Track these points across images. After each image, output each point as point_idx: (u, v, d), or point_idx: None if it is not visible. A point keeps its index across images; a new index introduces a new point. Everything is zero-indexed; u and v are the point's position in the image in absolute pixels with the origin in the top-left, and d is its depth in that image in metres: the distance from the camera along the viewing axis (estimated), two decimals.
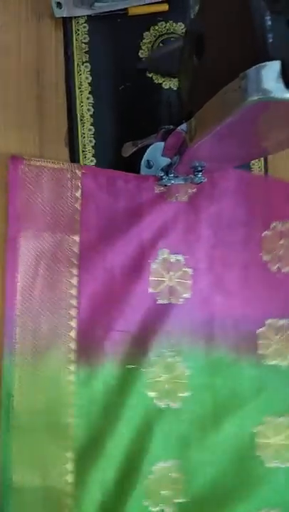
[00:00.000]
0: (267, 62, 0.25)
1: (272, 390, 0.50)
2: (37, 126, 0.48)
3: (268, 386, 0.50)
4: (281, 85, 0.25)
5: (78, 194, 0.46)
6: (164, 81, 0.51)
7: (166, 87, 0.51)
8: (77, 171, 0.47)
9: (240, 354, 0.50)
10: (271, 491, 0.49)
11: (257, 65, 0.25)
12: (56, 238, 0.46)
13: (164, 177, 0.46)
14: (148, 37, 0.50)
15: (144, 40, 0.50)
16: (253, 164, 0.53)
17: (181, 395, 0.47)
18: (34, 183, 0.45)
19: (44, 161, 0.46)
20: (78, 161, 0.48)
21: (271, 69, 0.25)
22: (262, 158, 0.53)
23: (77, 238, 0.46)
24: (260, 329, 0.51)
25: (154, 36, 0.51)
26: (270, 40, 0.25)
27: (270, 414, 0.50)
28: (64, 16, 0.48)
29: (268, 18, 0.26)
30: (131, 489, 0.45)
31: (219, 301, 0.50)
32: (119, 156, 0.48)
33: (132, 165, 0.49)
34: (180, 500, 0.47)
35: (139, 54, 0.50)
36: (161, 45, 0.49)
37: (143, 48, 0.50)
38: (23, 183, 0.45)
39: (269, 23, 0.26)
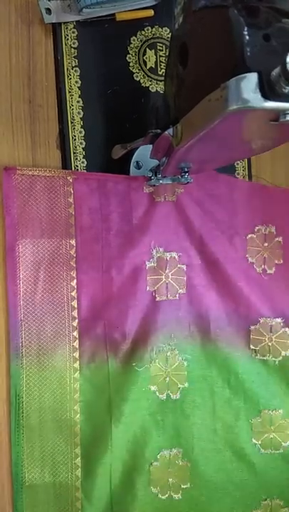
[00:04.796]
0: (245, 74, 0.27)
1: (265, 384, 0.53)
2: (29, 130, 0.49)
3: (261, 380, 0.53)
4: (258, 95, 0.27)
5: (71, 199, 0.48)
6: (151, 84, 0.53)
7: (153, 90, 0.53)
8: (68, 177, 0.48)
9: (233, 348, 0.52)
10: (268, 477, 0.52)
11: (236, 77, 0.27)
12: (53, 243, 0.48)
13: (153, 177, 0.48)
14: (135, 41, 0.52)
15: (131, 45, 0.52)
16: (238, 164, 0.55)
17: (180, 386, 0.50)
18: (28, 192, 0.47)
19: (36, 170, 0.47)
20: (70, 163, 0.50)
21: (249, 80, 0.27)
22: (246, 159, 0.56)
23: (73, 242, 0.48)
24: (254, 326, 0.53)
25: (141, 41, 0.52)
26: (248, 54, 0.27)
27: (265, 408, 0.53)
28: (53, 21, 0.49)
29: (246, 32, 0.28)
30: (137, 477, 0.48)
31: (213, 296, 0.52)
32: (109, 157, 0.49)
33: (121, 166, 0.51)
34: (187, 486, 0.50)
35: (127, 58, 0.52)
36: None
37: (130, 52, 0.52)
38: (17, 193, 0.47)
39: (247, 37, 0.28)
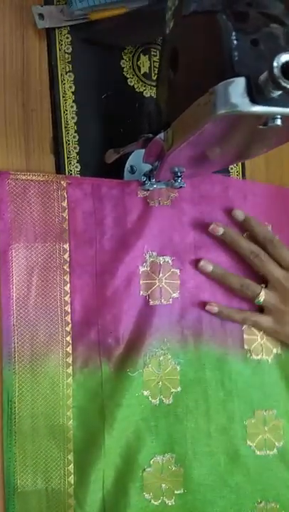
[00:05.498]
0: (233, 79, 0.27)
1: (259, 384, 0.53)
2: (22, 134, 0.49)
3: (255, 380, 0.52)
4: (246, 100, 0.27)
5: (65, 204, 0.48)
6: (144, 89, 0.53)
7: (147, 95, 0.53)
8: (62, 181, 0.48)
9: (226, 349, 0.52)
10: (264, 479, 0.52)
11: (224, 81, 0.27)
12: (47, 248, 0.48)
13: (147, 182, 0.48)
14: (129, 46, 0.52)
15: (125, 50, 0.52)
16: (232, 168, 0.55)
17: (173, 390, 0.49)
18: (22, 197, 0.47)
19: (30, 175, 0.48)
20: (64, 168, 0.50)
21: (237, 85, 0.27)
22: (239, 163, 0.56)
23: (66, 246, 0.48)
24: (247, 325, 0.53)
25: (135, 46, 0.52)
26: (236, 58, 0.27)
27: (259, 408, 0.52)
28: (46, 26, 0.49)
29: (234, 37, 0.28)
30: (130, 483, 0.47)
31: (206, 299, 0.52)
32: (103, 162, 0.49)
33: (116, 170, 0.51)
34: (180, 492, 0.49)
35: (121, 63, 0.52)
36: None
37: (124, 57, 0.52)
38: (10, 198, 0.47)
39: (235, 42, 0.28)
